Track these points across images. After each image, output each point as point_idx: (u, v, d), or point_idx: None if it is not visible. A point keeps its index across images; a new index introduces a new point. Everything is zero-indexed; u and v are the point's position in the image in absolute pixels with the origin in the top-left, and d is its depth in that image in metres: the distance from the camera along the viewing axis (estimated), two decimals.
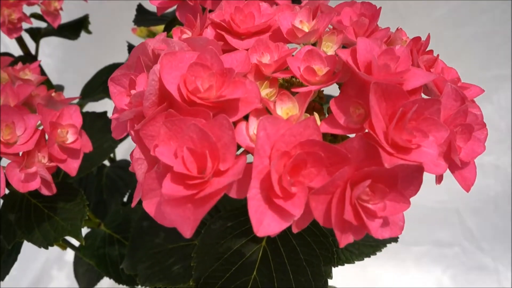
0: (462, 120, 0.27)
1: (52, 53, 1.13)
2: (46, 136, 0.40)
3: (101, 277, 0.70)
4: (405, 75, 0.26)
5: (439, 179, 0.26)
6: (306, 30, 0.31)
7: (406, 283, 1.20)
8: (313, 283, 0.33)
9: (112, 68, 0.75)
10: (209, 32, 0.32)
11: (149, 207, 0.25)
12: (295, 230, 0.24)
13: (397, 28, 0.34)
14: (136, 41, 0.88)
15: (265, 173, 0.23)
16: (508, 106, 1.20)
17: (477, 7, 1.19)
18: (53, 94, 0.43)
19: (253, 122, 0.25)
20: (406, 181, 0.24)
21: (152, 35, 0.87)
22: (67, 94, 0.82)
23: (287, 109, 0.25)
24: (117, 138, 0.32)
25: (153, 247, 0.50)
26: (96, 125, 0.63)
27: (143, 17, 0.61)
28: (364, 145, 0.23)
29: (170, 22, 0.53)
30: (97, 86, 0.73)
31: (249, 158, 0.24)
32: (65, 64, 1.10)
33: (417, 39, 0.32)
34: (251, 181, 0.22)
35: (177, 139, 0.23)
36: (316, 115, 0.26)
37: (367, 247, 0.45)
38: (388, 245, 0.48)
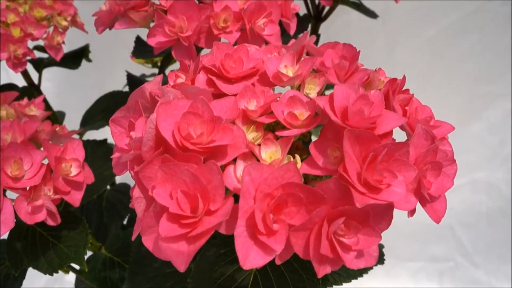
0: (432, 158, 0.30)
1: (52, 77, 1.16)
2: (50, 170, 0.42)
3: None
4: (377, 119, 0.29)
5: (411, 213, 0.29)
6: (291, 74, 0.34)
7: None
8: None
9: (111, 96, 0.78)
10: (201, 77, 0.35)
11: (148, 242, 0.27)
12: (278, 262, 0.26)
13: (376, 69, 0.37)
14: (135, 68, 0.92)
15: (250, 213, 0.26)
16: (499, 122, 1.23)
17: (467, 26, 1.22)
18: (57, 129, 0.46)
19: (240, 165, 0.28)
20: (378, 217, 0.27)
21: (150, 61, 0.91)
22: (67, 119, 0.85)
23: (270, 153, 0.28)
24: (118, 175, 0.35)
25: (151, 271, 0.53)
26: (97, 153, 0.65)
27: (141, 48, 0.64)
28: (339, 186, 0.26)
29: (167, 56, 0.56)
30: (97, 114, 0.76)
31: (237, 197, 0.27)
32: (65, 88, 1.13)
33: (393, 80, 0.35)
34: (238, 220, 0.25)
35: (172, 182, 0.26)
36: (297, 157, 0.29)
37: (354, 269, 0.47)
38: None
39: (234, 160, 0.28)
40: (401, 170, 0.27)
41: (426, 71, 1.24)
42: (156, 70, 0.98)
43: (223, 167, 0.28)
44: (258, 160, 0.28)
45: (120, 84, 0.97)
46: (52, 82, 1.18)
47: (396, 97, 0.34)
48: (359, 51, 0.37)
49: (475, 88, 1.23)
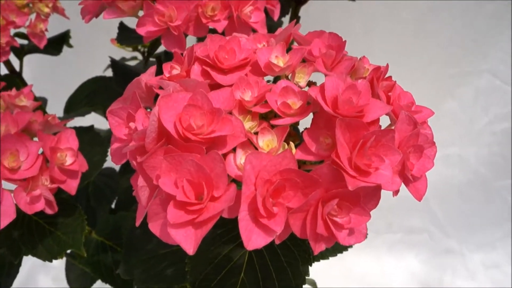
0: (414, 141, 0.33)
1: (30, 63, 1.14)
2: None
3: (94, 281, 0.73)
4: (365, 108, 0.31)
5: (395, 193, 0.32)
6: (282, 65, 0.36)
7: (381, 268, 1.28)
8: (293, 281, 0.39)
9: (94, 81, 0.78)
10: (196, 68, 0.36)
11: (155, 228, 0.29)
12: (277, 242, 0.29)
13: (361, 58, 0.39)
14: (115, 51, 0.91)
15: (251, 198, 0.28)
16: (470, 100, 1.28)
17: (438, 7, 1.26)
18: (49, 118, 0.47)
19: (240, 154, 0.30)
20: (367, 198, 0.30)
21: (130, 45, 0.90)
22: (49, 105, 0.84)
23: (267, 141, 0.30)
24: (117, 164, 0.37)
25: (145, 253, 0.55)
26: (84, 140, 0.66)
27: (125, 35, 0.64)
28: (332, 170, 0.28)
29: (154, 42, 0.57)
30: (80, 100, 0.76)
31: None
32: (44, 74, 1.11)
33: (377, 68, 0.37)
34: (241, 205, 0.27)
35: (177, 171, 0.28)
36: (291, 144, 0.31)
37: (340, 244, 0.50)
38: None
39: (234, 149, 0.30)
40: (387, 154, 0.30)
41: (400, 52, 1.27)
42: (136, 54, 0.97)
43: (224, 156, 0.30)
44: (256, 148, 0.30)
45: (100, 68, 0.97)
46: (31, 67, 1.16)
47: (380, 84, 0.37)
48: (345, 40, 0.38)
49: (448, 68, 1.27)
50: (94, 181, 0.83)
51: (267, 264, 0.40)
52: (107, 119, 0.68)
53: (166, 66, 0.37)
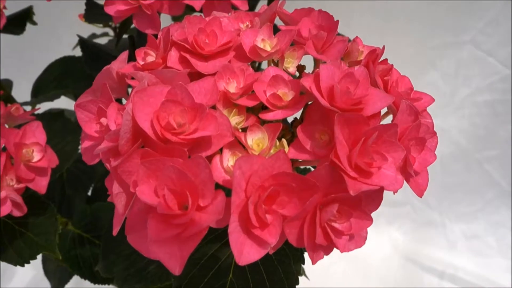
0: (415, 134, 0.30)
1: None
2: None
3: (73, 274, 0.70)
4: (364, 99, 0.28)
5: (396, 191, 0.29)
6: (269, 49, 0.32)
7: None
8: (286, 281, 0.36)
9: (63, 62, 0.72)
10: (173, 55, 0.32)
11: (135, 242, 0.26)
12: (271, 252, 0.26)
13: (354, 39, 0.36)
14: (84, 28, 0.85)
15: (242, 206, 0.25)
16: (452, 72, 1.27)
17: None
18: (12, 109, 0.42)
19: (227, 155, 0.26)
20: (369, 200, 0.27)
21: None
22: (15, 88, 0.78)
23: (257, 140, 0.27)
24: (89, 163, 0.33)
25: (126, 248, 0.52)
26: (54, 127, 0.61)
27: (94, 12, 0.59)
28: (330, 172, 0.26)
29: (125, 21, 0.52)
30: (48, 82, 0.71)
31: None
32: (7, 54, 1.04)
33: (372, 51, 0.34)
34: (231, 216, 0.24)
35: (156, 178, 0.25)
36: (283, 141, 0.28)
37: None
38: None
39: (220, 149, 0.27)
40: (389, 151, 0.27)
41: (381, 24, 1.24)
42: (107, 29, 0.91)
43: (209, 158, 0.26)
44: (245, 148, 0.27)
45: (69, 46, 0.90)
46: None
47: (376, 68, 0.34)
48: (337, 20, 0.35)
49: (431, 39, 1.25)
50: (69, 167, 0.79)
51: (257, 263, 0.38)
52: None
53: (139, 52, 0.33)
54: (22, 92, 0.77)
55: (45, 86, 0.71)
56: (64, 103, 0.80)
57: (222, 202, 0.24)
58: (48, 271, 0.74)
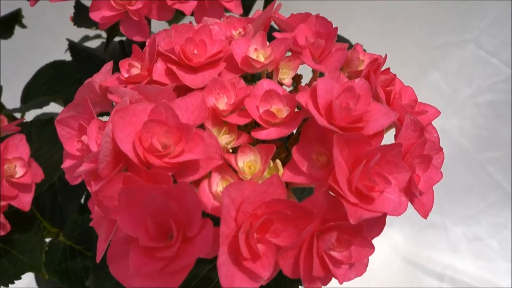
0: (421, 151, 0.28)
1: None
2: None
3: None
4: (365, 116, 0.26)
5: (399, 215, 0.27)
6: (262, 59, 0.30)
7: None
8: None
9: (53, 66, 0.70)
10: (159, 67, 0.30)
11: (117, 272, 0.24)
12: (264, 283, 0.24)
13: (354, 47, 0.34)
14: (77, 30, 0.83)
15: (232, 236, 0.23)
16: (454, 72, 1.25)
17: None
18: None
19: (216, 179, 0.24)
20: (370, 225, 0.25)
21: None
22: (5, 94, 0.76)
23: (249, 162, 0.25)
24: (72, 183, 0.31)
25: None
26: (43, 135, 0.59)
27: (83, 16, 0.57)
28: (328, 198, 0.23)
29: (113, 27, 0.49)
30: (38, 88, 0.69)
31: None
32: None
33: (374, 60, 0.32)
34: (220, 247, 0.22)
35: (139, 208, 0.22)
36: (278, 163, 0.25)
37: None
38: None
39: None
40: (393, 172, 0.25)
41: (383, 24, 1.21)
42: (101, 31, 0.89)
43: (196, 182, 0.24)
44: (235, 171, 0.25)
45: (61, 50, 0.88)
46: None
47: (378, 78, 0.32)
48: (336, 27, 0.33)
49: (433, 38, 1.23)
50: (60, 174, 0.76)
51: None
52: None
53: (123, 64, 0.31)
54: (12, 98, 0.75)
55: (34, 92, 0.69)
56: (55, 107, 0.77)
57: (210, 233, 0.22)
58: (40, 281, 0.72)
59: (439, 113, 0.32)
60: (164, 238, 0.23)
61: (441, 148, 0.30)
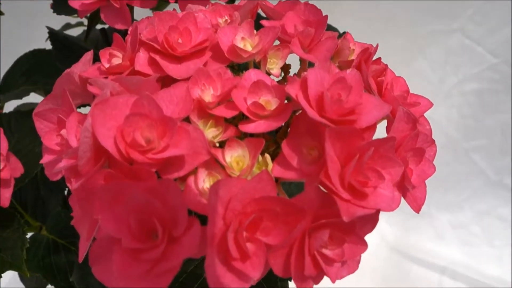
0: (413, 144, 0.27)
1: None
2: None
3: None
4: (357, 108, 0.25)
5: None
6: (250, 48, 0.29)
7: None
8: None
9: (33, 55, 0.67)
10: (142, 56, 0.28)
11: (100, 274, 0.23)
12: (254, 283, 0.23)
13: (344, 36, 0.33)
14: (58, 17, 0.80)
15: (220, 236, 0.22)
16: (440, 60, 1.24)
17: None
18: None
19: (202, 175, 0.23)
20: (363, 222, 0.24)
21: None
22: None
23: (237, 157, 0.23)
24: (52, 179, 0.29)
25: None
26: (24, 127, 0.57)
27: (62, 3, 0.54)
28: (320, 195, 0.23)
29: (94, 14, 0.47)
30: (17, 77, 0.66)
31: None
32: None
33: (365, 49, 0.31)
34: (208, 248, 0.21)
35: (121, 207, 0.21)
36: (267, 157, 0.24)
37: None
38: None
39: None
40: (386, 167, 0.24)
41: (369, 12, 1.20)
42: (82, 19, 0.86)
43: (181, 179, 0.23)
44: (223, 167, 0.23)
45: (42, 38, 0.85)
46: None
47: (369, 68, 0.31)
48: (326, 15, 0.32)
49: (419, 26, 1.22)
50: (43, 166, 0.74)
51: None
52: None
53: (104, 53, 0.30)
54: None
55: (13, 82, 0.67)
56: (36, 97, 0.75)
57: (197, 232, 0.21)
58: (23, 276, 0.70)
59: (431, 104, 0.31)
60: (149, 238, 0.22)
61: (434, 141, 0.30)
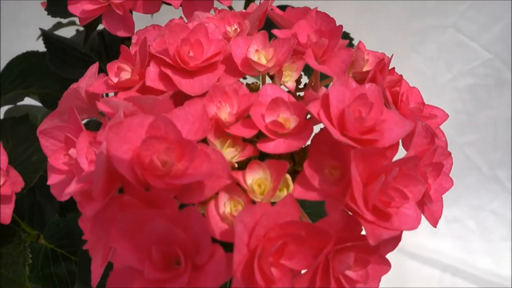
0: (432, 158, 0.27)
1: None
2: None
3: None
4: (379, 126, 0.24)
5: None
6: (264, 61, 0.28)
7: None
8: None
9: (25, 57, 0.65)
10: (152, 71, 0.27)
11: None
12: None
13: (357, 46, 0.32)
14: (48, 20, 0.78)
15: (244, 263, 0.21)
16: (434, 56, 1.25)
17: None
18: None
19: (223, 199, 0.22)
20: (386, 242, 0.24)
21: None
22: None
23: (258, 180, 0.23)
24: (59, 200, 0.28)
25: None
26: (19, 133, 0.55)
27: (57, 5, 0.53)
28: (345, 217, 0.22)
29: (93, 21, 0.46)
30: (10, 81, 0.64)
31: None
32: None
33: (380, 61, 0.30)
34: (233, 277, 0.20)
35: (140, 236, 0.20)
36: (287, 177, 0.24)
37: None
38: None
39: None
40: (408, 185, 0.24)
41: (362, 8, 1.20)
42: (74, 18, 0.84)
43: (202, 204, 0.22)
44: (244, 190, 0.23)
45: (33, 38, 0.83)
46: None
47: (384, 80, 0.30)
48: (341, 25, 0.31)
49: (413, 22, 1.22)
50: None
51: None
52: (44, 105, 0.57)
53: (111, 67, 0.28)
54: None
55: (7, 85, 0.65)
56: (28, 99, 0.73)
57: (222, 260, 0.20)
58: None
59: (447, 116, 0.30)
60: (171, 267, 0.21)
61: (450, 153, 0.29)
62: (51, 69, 0.60)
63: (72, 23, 0.85)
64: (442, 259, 1.21)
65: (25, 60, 0.66)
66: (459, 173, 1.30)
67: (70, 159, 0.26)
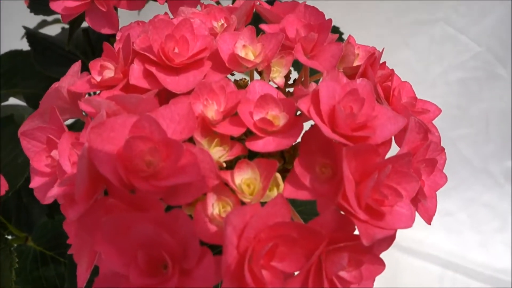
0: (425, 154, 0.26)
1: None
2: None
3: None
4: (370, 122, 0.23)
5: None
6: (252, 56, 0.27)
7: None
8: None
9: (10, 56, 0.64)
10: (136, 68, 0.26)
11: None
12: None
13: (347, 40, 0.31)
14: (33, 18, 0.76)
15: (234, 265, 0.20)
16: (424, 49, 1.25)
17: None
18: None
19: (211, 200, 0.21)
20: (380, 241, 0.23)
21: None
22: None
23: (247, 180, 0.22)
24: (43, 203, 0.27)
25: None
26: (5, 135, 0.54)
27: (40, 1, 0.51)
28: (338, 217, 0.21)
29: (76, 18, 0.45)
30: None
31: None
32: None
33: (371, 55, 0.29)
34: (223, 280, 0.20)
35: (126, 241, 0.20)
36: (278, 177, 0.23)
37: None
38: None
39: None
40: (401, 182, 0.23)
41: (353, 4, 1.19)
42: (59, 16, 0.82)
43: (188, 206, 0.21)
44: (233, 191, 0.22)
45: (16, 37, 0.81)
46: None
47: (376, 74, 0.29)
48: (330, 19, 0.30)
49: (403, 16, 1.22)
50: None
51: None
52: (29, 105, 0.56)
53: (94, 65, 0.27)
54: None
55: None
56: (12, 99, 0.71)
57: (211, 264, 0.19)
58: None
59: (440, 111, 0.30)
60: (158, 271, 0.20)
61: (443, 149, 0.29)
62: (36, 68, 0.58)
63: (57, 21, 0.83)
64: (434, 251, 1.21)
65: (8, 60, 0.64)
66: (452, 166, 1.30)
67: (53, 161, 0.26)
